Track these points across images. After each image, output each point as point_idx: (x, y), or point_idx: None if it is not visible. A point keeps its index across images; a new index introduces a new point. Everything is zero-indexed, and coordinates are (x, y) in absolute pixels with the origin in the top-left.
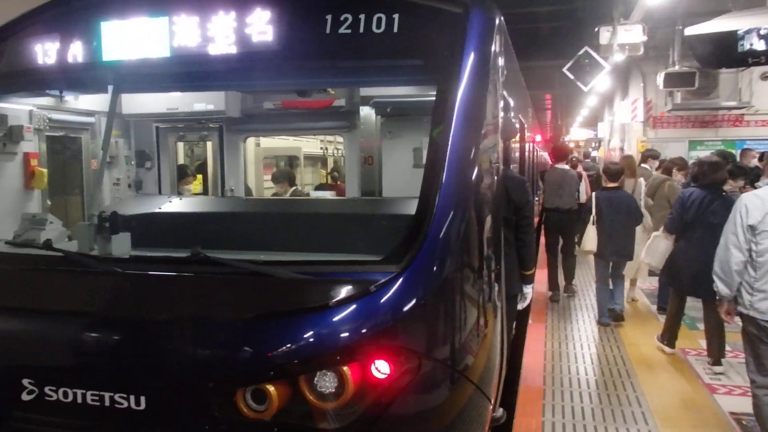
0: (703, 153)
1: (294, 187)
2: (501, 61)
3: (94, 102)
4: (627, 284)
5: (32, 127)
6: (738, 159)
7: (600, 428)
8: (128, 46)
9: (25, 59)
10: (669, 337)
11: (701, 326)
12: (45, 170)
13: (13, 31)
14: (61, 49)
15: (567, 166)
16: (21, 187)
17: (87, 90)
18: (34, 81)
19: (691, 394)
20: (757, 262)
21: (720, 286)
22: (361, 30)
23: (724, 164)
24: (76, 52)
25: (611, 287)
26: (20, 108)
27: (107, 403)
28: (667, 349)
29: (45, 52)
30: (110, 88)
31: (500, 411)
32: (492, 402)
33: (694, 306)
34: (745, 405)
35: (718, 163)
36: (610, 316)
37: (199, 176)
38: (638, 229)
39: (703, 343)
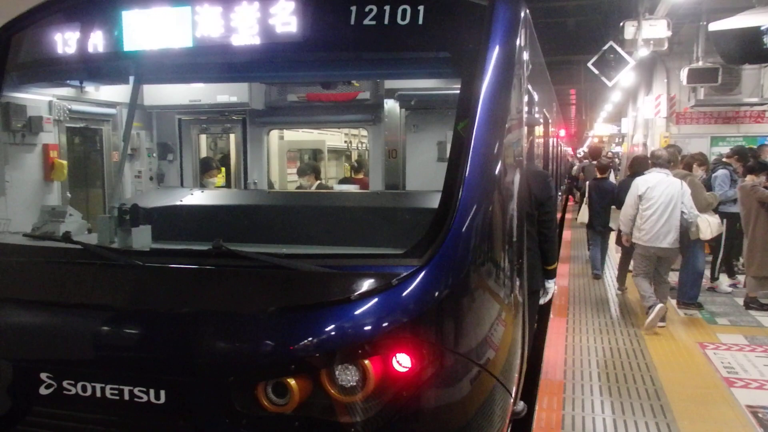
0: (726, 149)
1: (318, 181)
2: (526, 55)
3: (116, 93)
4: None
5: (52, 118)
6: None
7: (619, 421)
8: (150, 35)
9: (45, 49)
10: (621, 280)
11: (719, 321)
12: (65, 162)
13: (32, 20)
14: (81, 39)
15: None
16: (40, 179)
17: (108, 80)
18: (53, 71)
19: (708, 388)
20: (642, 215)
21: (623, 227)
22: (386, 22)
23: (646, 159)
24: (97, 41)
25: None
26: (39, 98)
27: (126, 397)
28: (618, 291)
29: (65, 41)
30: (131, 78)
31: (521, 404)
32: (513, 395)
33: (713, 300)
34: (761, 398)
35: (642, 160)
36: (594, 277)
37: (222, 169)
38: None
39: (722, 338)
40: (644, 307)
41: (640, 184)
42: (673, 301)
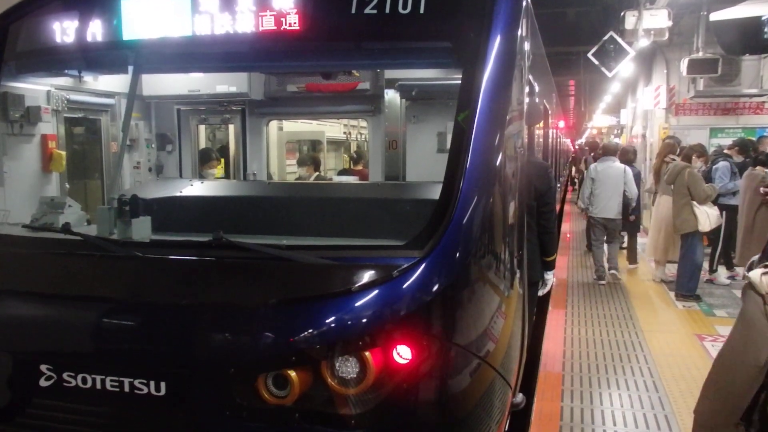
0: (724, 141)
1: (317, 173)
2: (528, 45)
3: (114, 83)
4: (653, 264)
5: (50, 108)
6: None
7: (618, 413)
8: (149, 24)
9: (43, 38)
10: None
11: (718, 313)
12: (63, 153)
13: (30, 9)
14: (79, 28)
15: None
16: (39, 170)
17: (107, 70)
18: (51, 60)
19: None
20: (594, 194)
21: (582, 205)
22: (387, 10)
23: (615, 148)
24: (96, 30)
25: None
26: (38, 88)
27: (127, 389)
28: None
29: (63, 30)
30: (130, 68)
31: (520, 396)
32: (512, 387)
33: (711, 293)
34: None
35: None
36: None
37: (222, 160)
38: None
39: (720, 330)
40: (595, 272)
41: (592, 170)
42: (672, 294)
